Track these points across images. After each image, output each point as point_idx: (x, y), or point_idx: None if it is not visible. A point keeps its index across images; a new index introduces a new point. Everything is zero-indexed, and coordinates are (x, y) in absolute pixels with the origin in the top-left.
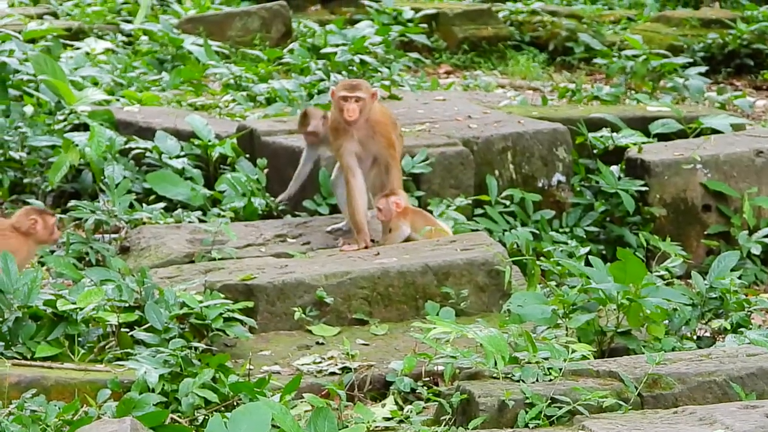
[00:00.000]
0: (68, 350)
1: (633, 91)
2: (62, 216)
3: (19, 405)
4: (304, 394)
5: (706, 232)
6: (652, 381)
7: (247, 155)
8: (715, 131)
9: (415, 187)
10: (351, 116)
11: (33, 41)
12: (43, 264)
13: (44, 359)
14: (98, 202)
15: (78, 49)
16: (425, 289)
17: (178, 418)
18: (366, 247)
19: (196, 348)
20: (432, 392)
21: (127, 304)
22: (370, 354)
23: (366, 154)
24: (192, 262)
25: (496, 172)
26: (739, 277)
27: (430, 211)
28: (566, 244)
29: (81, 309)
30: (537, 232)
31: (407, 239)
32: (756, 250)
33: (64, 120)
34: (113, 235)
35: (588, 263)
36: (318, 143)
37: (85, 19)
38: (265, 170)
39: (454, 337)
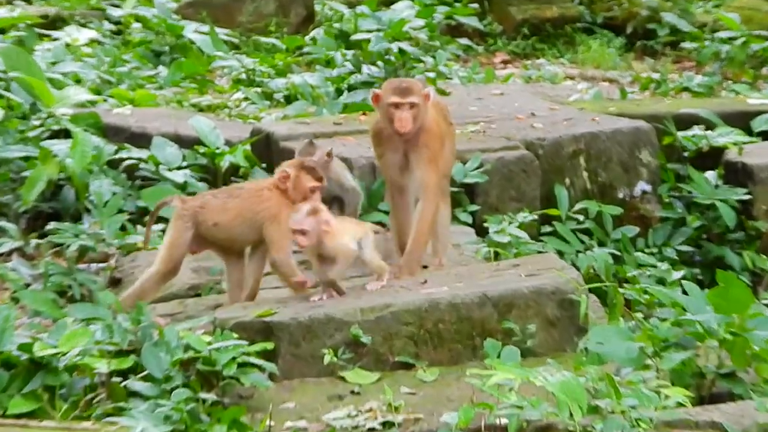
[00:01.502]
0: (48, 405)
1: (730, 81)
2: (39, 241)
3: None
4: None
5: None
6: None
7: (264, 165)
8: None
9: (468, 199)
10: (404, 127)
11: (2, 31)
12: (16, 300)
13: (19, 416)
14: (82, 224)
15: (57, 39)
16: (483, 324)
17: None
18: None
19: (204, 400)
20: None
21: (119, 348)
22: (417, 405)
23: (409, 166)
24: (198, 295)
25: (567, 181)
26: None
27: (486, 230)
28: (654, 267)
29: (63, 354)
30: (618, 253)
31: None
32: None
33: (41, 125)
34: (101, 265)
35: (682, 290)
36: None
37: (65, 4)
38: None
39: (520, 383)
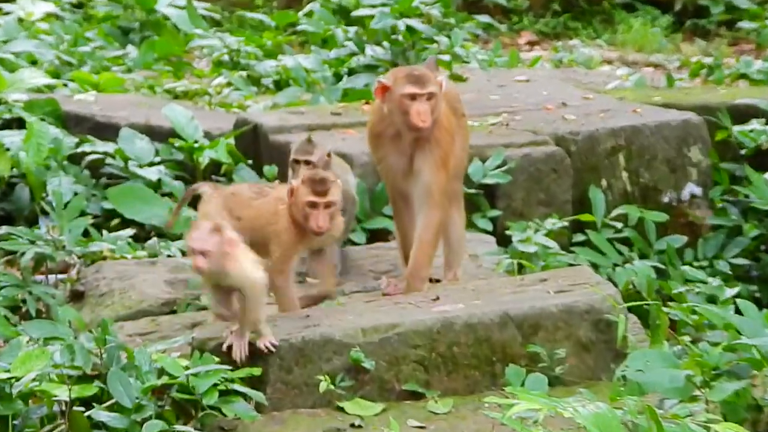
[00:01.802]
0: None
1: None
2: None
3: None
4: None
5: None
6: None
7: (250, 161)
8: None
9: (488, 203)
10: (425, 121)
11: None
12: None
13: None
14: (39, 228)
15: (8, 14)
16: (505, 347)
17: None
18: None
19: None
20: None
21: (82, 373)
22: None
23: (414, 169)
24: (173, 312)
25: (604, 182)
26: None
27: (509, 238)
28: (704, 283)
29: (17, 379)
30: (662, 266)
31: None
32: None
33: None
34: (61, 276)
35: (736, 310)
36: None
37: None
38: (276, 182)
39: (546, 416)
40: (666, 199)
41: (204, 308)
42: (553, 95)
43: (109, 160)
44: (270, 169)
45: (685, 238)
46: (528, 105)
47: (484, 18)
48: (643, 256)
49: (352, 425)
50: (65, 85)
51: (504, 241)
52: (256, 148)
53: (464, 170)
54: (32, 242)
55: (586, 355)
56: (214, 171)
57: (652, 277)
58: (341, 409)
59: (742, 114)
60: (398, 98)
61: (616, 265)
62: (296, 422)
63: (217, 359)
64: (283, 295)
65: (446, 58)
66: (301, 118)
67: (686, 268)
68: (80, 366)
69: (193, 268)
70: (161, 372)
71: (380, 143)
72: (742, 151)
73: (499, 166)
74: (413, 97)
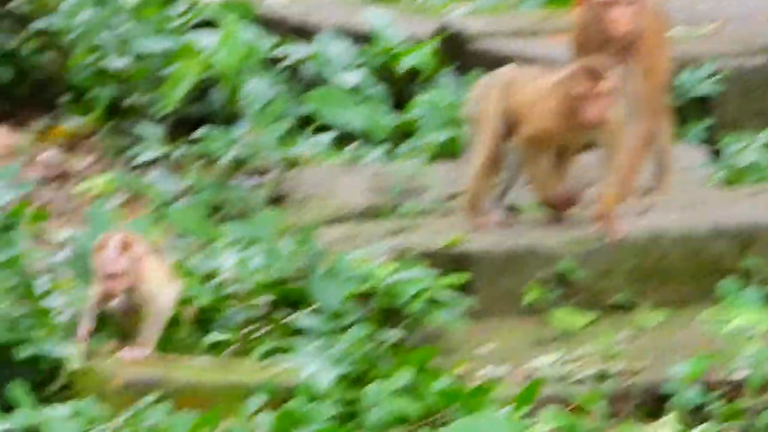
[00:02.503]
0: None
1: None
2: (185, 150)
3: (136, 414)
4: (543, 408)
5: None
6: None
7: (453, 67)
8: None
9: (699, 115)
10: (623, 27)
11: None
12: (159, 218)
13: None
14: (235, 131)
15: None
16: (718, 261)
17: None
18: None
19: (383, 341)
20: (730, 409)
21: (282, 276)
22: (637, 353)
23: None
24: (377, 217)
25: None
26: None
27: (721, 151)
28: None
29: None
30: None
31: None
32: None
33: (184, 14)
34: (261, 179)
35: None
36: None
37: None
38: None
39: (763, 331)
40: None
41: (406, 215)
42: (766, 3)
43: (306, 64)
44: (474, 77)
45: None
46: (740, 13)
47: None
48: None
49: (560, 336)
50: None
51: (715, 154)
52: (459, 55)
53: (669, 82)
54: (229, 144)
55: None
56: (414, 78)
57: None
58: (549, 319)
59: None
60: (596, 6)
61: None
62: (502, 331)
63: (421, 266)
64: (534, 179)
65: None
66: (505, 23)
67: None
68: (282, 270)
69: (107, 292)
70: (365, 278)
71: (583, 56)
72: None
73: (709, 77)
74: (610, 3)
